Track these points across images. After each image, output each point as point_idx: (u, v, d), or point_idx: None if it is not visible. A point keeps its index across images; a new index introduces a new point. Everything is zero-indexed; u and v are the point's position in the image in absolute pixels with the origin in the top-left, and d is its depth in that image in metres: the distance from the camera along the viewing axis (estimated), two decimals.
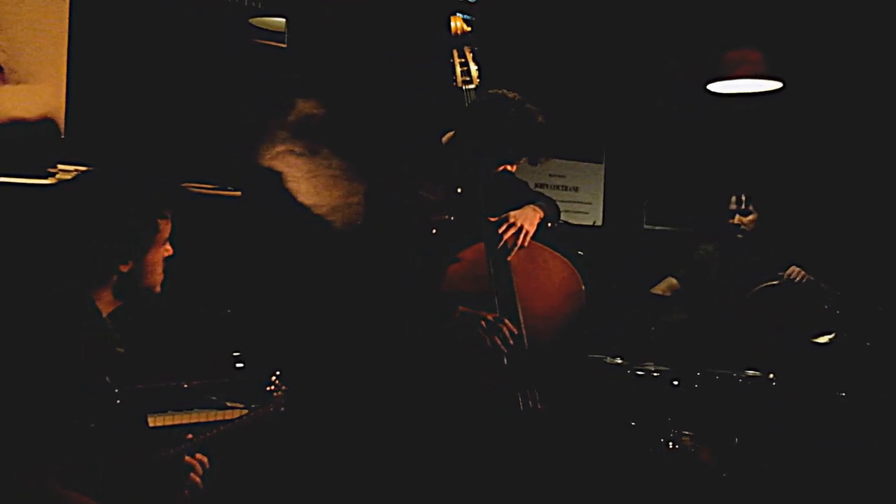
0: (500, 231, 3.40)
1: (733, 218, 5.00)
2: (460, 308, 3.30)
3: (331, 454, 3.77)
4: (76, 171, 3.20)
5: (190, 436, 2.42)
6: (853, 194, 5.63)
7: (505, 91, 3.42)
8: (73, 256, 2.29)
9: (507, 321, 3.30)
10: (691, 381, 4.15)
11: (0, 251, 2.96)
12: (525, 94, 3.42)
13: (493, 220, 3.42)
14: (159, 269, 2.40)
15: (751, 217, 4.99)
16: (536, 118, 3.35)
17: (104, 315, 2.33)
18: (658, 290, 5.05)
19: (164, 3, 3.83)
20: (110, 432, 2.24)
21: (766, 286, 4.79)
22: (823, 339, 4.30)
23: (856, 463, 3.99)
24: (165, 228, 2.40)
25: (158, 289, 2.41)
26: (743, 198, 4.99)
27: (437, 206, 3.41)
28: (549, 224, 3.56)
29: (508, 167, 3.46)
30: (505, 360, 3.31)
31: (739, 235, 5.01)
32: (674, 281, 5.08)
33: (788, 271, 4.79)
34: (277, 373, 2.77)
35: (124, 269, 2.32)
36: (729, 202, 5.02)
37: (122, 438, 2.28)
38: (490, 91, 3.45)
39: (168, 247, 2.42)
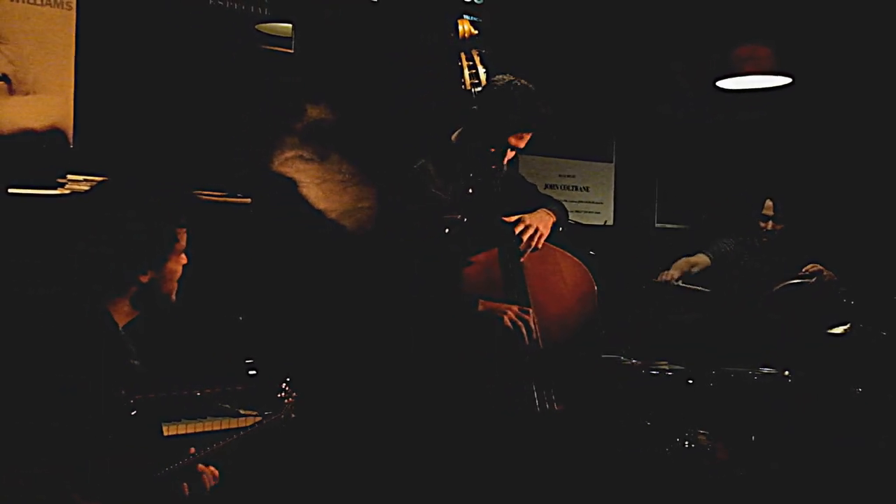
0: (517, 232, 3.38)
1: (767, 222, 4.98)
2: (481, 301, 3.30)
3: (342, 460, 3.77)
4: (86, 180, 3.21)
5: (192, 449, 2.40)
6: (863, 184, 5.61)
7: (502, 75, 3.41)
8: (92, 268, 2.28)
9: (531, 311, 3.30)
10: (706, 379, 4.13)
11: (15, 262, 2.96)
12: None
13: (508, 220, 3.41)
14: (176, 279, 2.39)
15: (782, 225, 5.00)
16: (536, 95, 3.35)
17: (120, 327, 2.32)
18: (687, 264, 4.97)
19: (170, 11, 3.83)
20: (125, 443, 2.22)
21: (785, 285, 4.75)
22: (838, 330, 4.28)
23: (872, 459, 3.96)
24: (183, 238, 2.39)
25: (174, 298, 2.41)
26: (780, 205, 4.99)
27: (448, 205, 3.40)
28: (560, 229, 3.55)
29: (510, 152, 3.41)
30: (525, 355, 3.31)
31: (765, 239, 5.01)
32: (705, 258, 5.03)
33: (807, 267, 4.76)
34: (287, 380, 2.76)
35: (144, 279, 2.30)
36: (763, 206, 5.00)
37: (136, 449, 2.27)
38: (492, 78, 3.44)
39: (183, 256, 2.42)
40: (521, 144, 3.40)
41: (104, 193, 2.36)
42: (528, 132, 3.38)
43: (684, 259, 5.03)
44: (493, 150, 3.37)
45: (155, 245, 2.32)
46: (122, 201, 2.31)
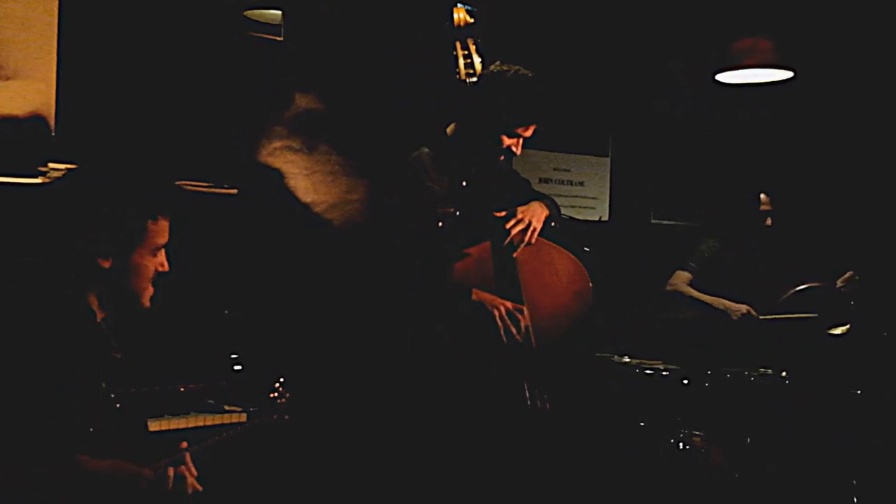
0: (509, 226, 3.35)
1: (766, 219, 4.96)
2: (475, 291, 3.26)
3: (334, 458, 3.73)
4: (67, 168, 3.16)
5: (185, 443, 2.35)
6: (861, 182, 5.60)
7: (499, 64, 3.37)
8: (59, 256, 2.24)
9: (525, 309, 3.26)
10: (701, 379, 4.09)
11: None
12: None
13: (499, 215, 3.37)
14: (146, 277, 2.31)
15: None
16: (532, 82, 3.30)
17: (99, 319, 2.28)
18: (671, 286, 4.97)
19: None
20: (110, 437, 2.21)
21: (802, 289, 4.72)
22: (838, 331, 4.25)
23: (870, 460, 3.94)
24: (156, 232, 2.30)
25: (147, 302, 2.33)
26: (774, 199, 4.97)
27: (442, 197, 3.35)
28: (553, 224, 3.51)
29: (513, 147, 3.35)
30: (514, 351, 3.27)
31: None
32: (685, 274, 5.00)
33: (846, 276, 4.71)
34: (281, 380, 2.69)
35: (104, 264, 2.23)
36: (759, 201, 4.97)
37: (122, 443, 2.24)
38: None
39: (162, 259, 2.33)
40: (528, 133, 3.34)
41: (69, 181, 2.33)
42: (529, 124, 3.33)
43: (676, 274, 5.00)
44: (494, 144, 3.32)
45: (116, 232, 2.24)
46: (85, 189, 2.27)
